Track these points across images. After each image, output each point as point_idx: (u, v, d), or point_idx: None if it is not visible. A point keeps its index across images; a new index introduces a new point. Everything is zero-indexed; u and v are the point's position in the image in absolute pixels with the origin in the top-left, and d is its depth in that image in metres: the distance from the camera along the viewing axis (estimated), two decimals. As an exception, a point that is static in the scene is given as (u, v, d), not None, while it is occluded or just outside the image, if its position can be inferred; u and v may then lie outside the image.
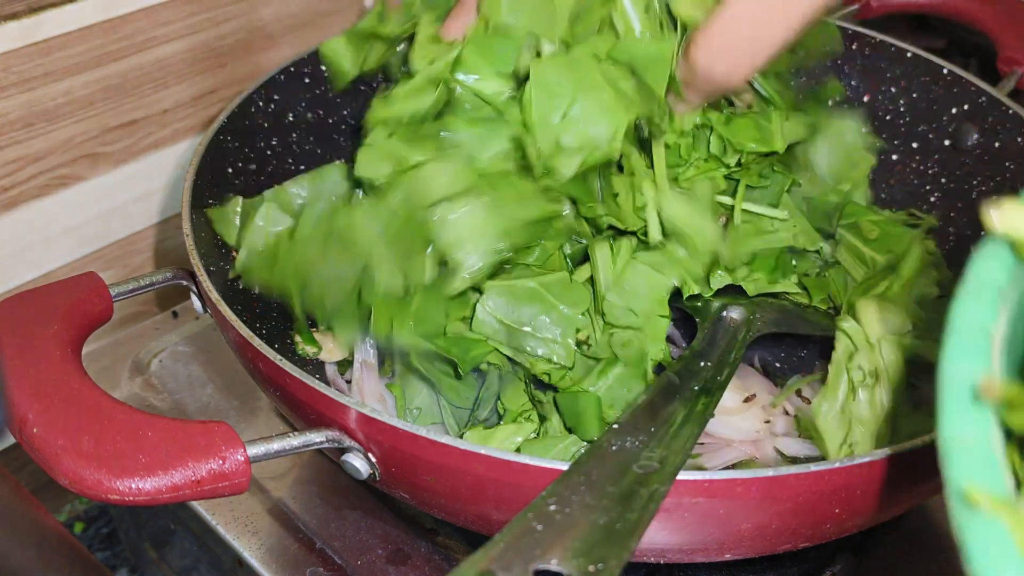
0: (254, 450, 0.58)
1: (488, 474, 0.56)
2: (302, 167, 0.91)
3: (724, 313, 0.74)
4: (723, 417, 0.74)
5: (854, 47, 0.99)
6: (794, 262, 0.78)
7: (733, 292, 0.74)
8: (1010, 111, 0.87)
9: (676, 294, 0.73)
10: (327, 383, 0.61)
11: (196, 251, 0.71)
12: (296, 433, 0.60)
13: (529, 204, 0.69)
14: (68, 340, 0.63)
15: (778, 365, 0.79)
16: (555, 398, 0.71)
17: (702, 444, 0.75)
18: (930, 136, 0.94)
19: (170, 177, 1.04)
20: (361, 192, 0.81)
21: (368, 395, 0.77)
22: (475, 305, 0.69)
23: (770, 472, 0.55)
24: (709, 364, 0.69)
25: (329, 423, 0.61)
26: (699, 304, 0.75)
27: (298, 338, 0.80)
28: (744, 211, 0.76)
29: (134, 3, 0.92)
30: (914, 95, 0.95)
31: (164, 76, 0.98)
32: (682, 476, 0.54)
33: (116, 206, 1.00)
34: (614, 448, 0.56)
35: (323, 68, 0.93)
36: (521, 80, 0.69)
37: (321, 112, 0.93)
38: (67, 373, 0.60)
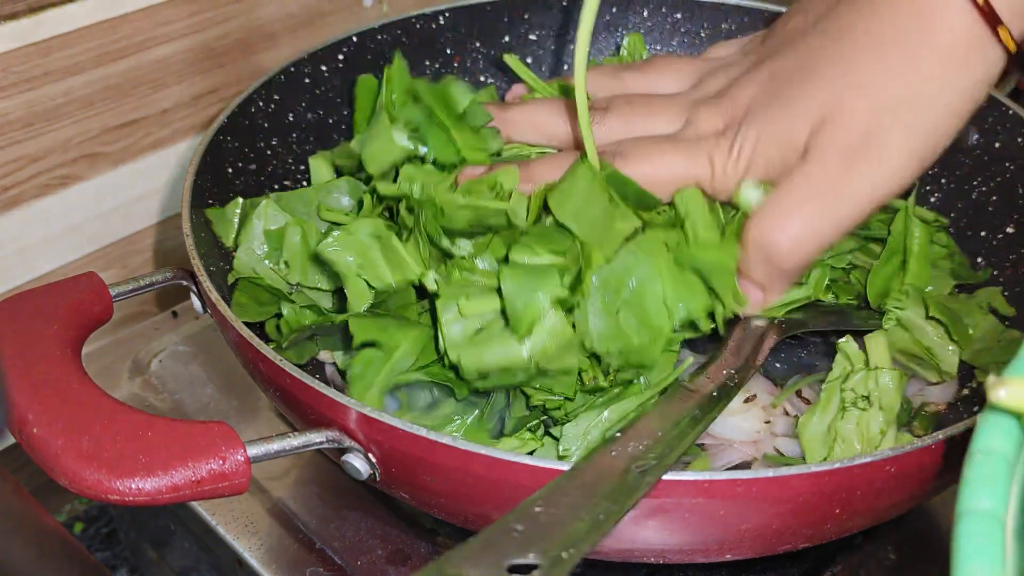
0: (254, 450, 0.58)
1: (488, 474, 0.56)
2: (302, 167, 0.91)
3: (751, 320, 0.74)
4: (723, 417, 0.74)
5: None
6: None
7: None
8: (1010, 111, 0.87)
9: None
10: (327, 383, 0.61)
11: (196, 251, 0.71)
12: (296, 433, 0.60)
13: None
14: (68, 340, 0.63)
15: (778, 365, 0.79)
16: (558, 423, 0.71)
17: (702, 445, 0.75)
18: (930, 136, 0.94)
19: (170, 177, 1.04)
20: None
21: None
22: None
23: (770, 472, 0.55)
24: (733, 371, 0.69)
25: (329, 423, 0.61)
26: None
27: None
28: None
29: (134, 3, 0.92)
30: (914, 95, 0.95)
31: (164, 76, 0.98)
32: (682, 476, 0.54)
33: (116, 206, 1.00)
34: (614, 454, 0.56)
35: (323, 68, 0.93)
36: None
37: (321, 112, 0.93)
38: (67, 373, 0.60)
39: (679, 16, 1.06)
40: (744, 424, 0.74)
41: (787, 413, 0.76)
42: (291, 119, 0.91)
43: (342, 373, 0.81)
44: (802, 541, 0.63)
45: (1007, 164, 0.87)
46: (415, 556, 0.74)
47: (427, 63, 1.00)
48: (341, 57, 0.94)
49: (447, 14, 1.00)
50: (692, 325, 0.69)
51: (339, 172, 0.87)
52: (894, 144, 0.64)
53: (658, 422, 0.61)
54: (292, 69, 0.91)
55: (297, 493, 0.79)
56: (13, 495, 0.68)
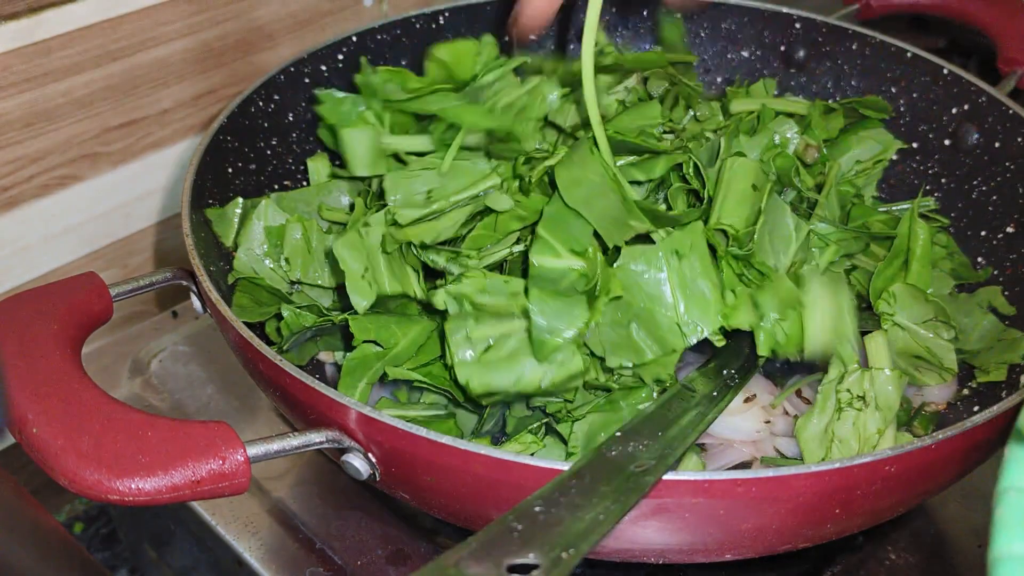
0: (254, 450, 0.58)
1: (488, 474, 0.56)
2: (302, 167, 0.91)
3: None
4: (723, 417, 0.74)
5: (854, 47, 0.99)
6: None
7: None
8: (1010, 111, 0.87)
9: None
10: (327, 383, 0.61)
11: (196, 251, 0.71)
12: (296, 433, 0.60)
13: None
14: (68, 340, 0.63)
15: (778, 365, 0.79)
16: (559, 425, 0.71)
17: (702, 445, 0.75)
18: (930, 136, 0.94)
19: (170, 177, 1.04)
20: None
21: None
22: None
23: (770, 472, 0.55)
24: (733, 371, 0.69)
25: (329, 423, 0.61)
26: None
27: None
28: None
29: (134, 3, 0.92)
30: (914, 95, 0.95)
31: (164, 76, 0.98)
32: (682, 476, 0.54)
33: (116, 206, 1.00)
34: (613, 454, 0.56)
35: (323, 68, 0.93)
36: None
37: (321, 112, 0.93)
38: (67, 373, 0.60)
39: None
40: (744, 424, 0.74)
41: (787, 413, 0.76)
42: (291, 119, 0.91)
43: (342, 373, 0.81)
44: (802, 541, 0.63)
45: (1007, 164, 0.87)
46: (415, 556, 0.74)
47: (427, 63, 1.00)
48: (341, 57, 0.94)
49: (447, 14, 1.00)
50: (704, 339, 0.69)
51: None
52: None
53: (658, 422, 0.61)
54: (292, 69, 0.91)
55: (297, 493, 0.79)
56: (13, 495, 0.68)
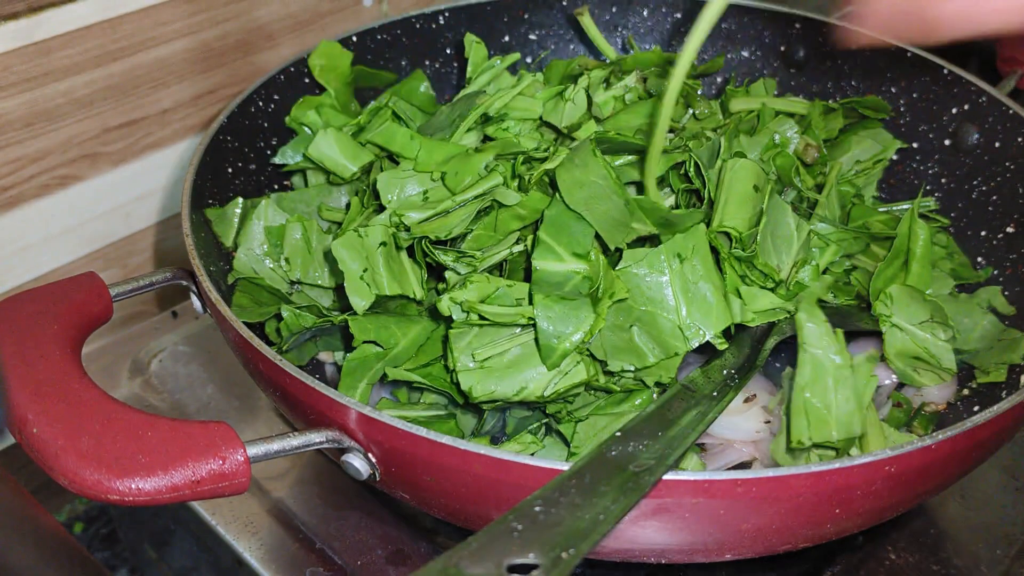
0: (254, 450, 0.58)
1: (488, 474, 0.56)
2: (302, 167, 0.91)
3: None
4: (723, 417, 0.74)
5: (854, 47, 0.99)
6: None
7: None
8: (1010, 111, 0.87)
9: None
10: (327, 383, 0.61)
11: (196, 251, 0.71)
12: (296, 433, 0.60)
13: None
14: (68, 340, 0.63)
15: (778, 365, 0.79)
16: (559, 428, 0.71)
17: (702, 445, 0.75)
18: (930, 136, 0.94)
19: (170, 177, 1.04)
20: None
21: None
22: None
23: (770, 472, 0.55)
24: (733, 371, 0.69)
25: (329, 423, 0.61)
26: None
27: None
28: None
29: (134, 3, 0.92)
30: (914, 95, 0.95)
31: (164, 76, 0.98)
32: (682, 476, 0.54)
33: (116, 206, 1.00)
34: (614, 453, 0.56)
35: (323, 68, 0.93)
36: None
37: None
38: (67, 373, 0.60)
39: (679, 16, 1.06)
40: (744, 424, 0.74)
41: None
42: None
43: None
44: (802, 541, 0.63)
45: (1007, 164, 0.87)
46: (415, 556, 0.74)
47: (427, 63, 1.00)
48: (341, 57, 0.94)
49: (447, 14, 1.00)
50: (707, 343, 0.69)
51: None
52: None
53: (658, 422, 0.61)
54: (292, 69, 0.91)
55: (297, 493, 0.79)
56: (13, 495, 0.68)
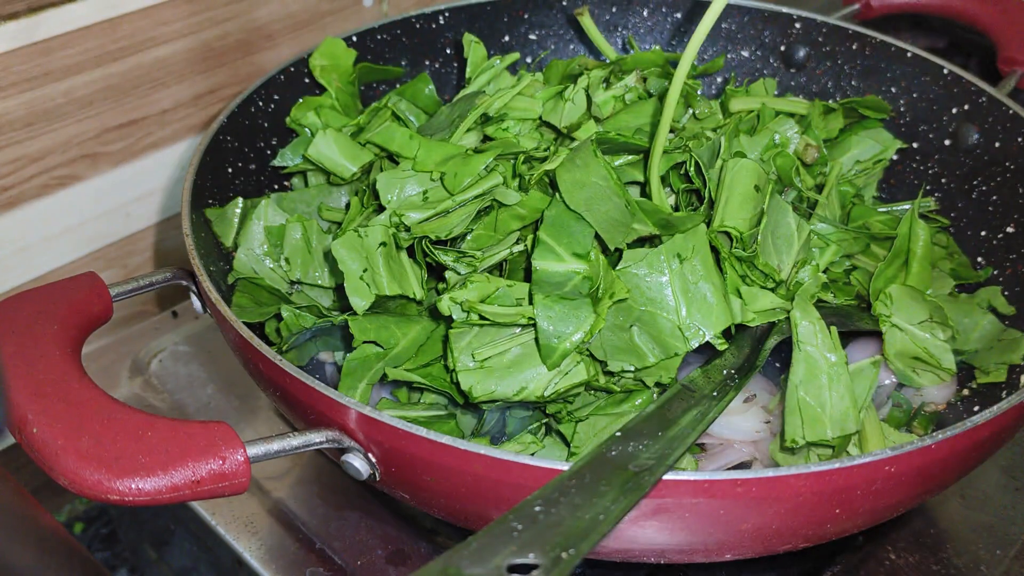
0: (254, 450, 0.58)
1: (488, 474, 0.56)
2: (302, 167, 0.91)
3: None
4: (723, 417, 0.74)
5: (854, 47, 0.99)
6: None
7: None
8: (1010, 111, 0.87)
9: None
10: (327, 383, 0.61)
11: (196, 251, 0.71)
12: (296, 433, 0.60)
13: None
14: (68, 340, 0.63)
15: (778, 365, 0.79)
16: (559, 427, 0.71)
17: (702, 445, 0.75)
18: (930, 136, 0.94)
19: (170, 177, 1.04)
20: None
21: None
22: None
23: (770, 472, 0.55)
24: (733, 372, 0.69)
25: (329, 423, 0.61)
26: None
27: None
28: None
29: (134, 3, 0.92)
30: (914, 95, 0.95)
31: (164, 76, 0.98)
32: (682, 476, 0.54)
33: (116, 206, 1.00)
34: (614, 453, 0.56)
35: (323, 68, 0.93)
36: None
37: (321, 112, 0.93)
38: (67, 373, 0.60)
39: (679, 16, 1.06)
40: (744, 424, 0.74)
41: (787, 413, 0.76)
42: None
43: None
44: (802, 541, 0.63)
45: (1007, 164, 0.87)
46: (415, 556, 0.74)
47: (427, 63, 1.00)
48: (341, 57, 0.94)
49: (447, 14, 1.00)
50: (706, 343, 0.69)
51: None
52: None
53: (658, 422, 0.61)
54: (292, 69, 0.91)
55: (297, 493, 0.79)
56: (13, 495, 0.68)
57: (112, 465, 0.55)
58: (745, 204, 0.71)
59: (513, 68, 0.94)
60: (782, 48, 1.03)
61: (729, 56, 1.05)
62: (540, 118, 0.84)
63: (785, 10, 1.02)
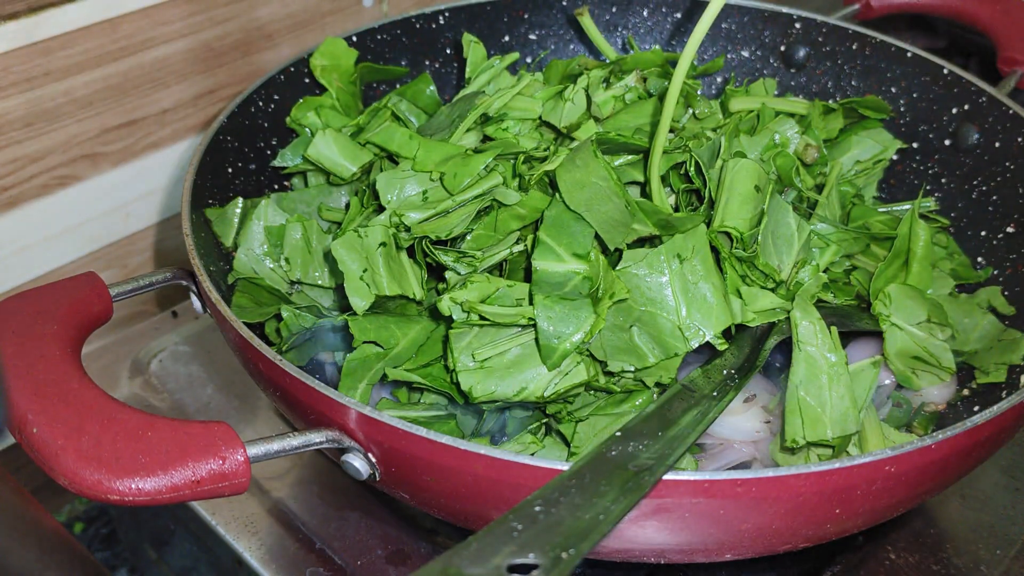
0: (254, 450, 0.58)
1: (488, 474, 0.56)
2: (302, 167, 0.91)
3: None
4: (723, 417, 0.74)
5: (854, 47, 0.99)
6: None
7: None
8: (1010, 111, 0.87)
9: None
10: (327, 383, 0.61)
11: (196, 251, 0.71)
12: (296, 433, 0.60)
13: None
14: (68, 340, 0.63)
15: (778, 365, 0.79)
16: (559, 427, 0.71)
17: (702, 445, 0.75)
18: (930, 136, 0.94)
19: (170, 177, 1.04)
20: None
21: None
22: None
23: (770, 472, 0.55)
24: (733, 372, 0.69)
25: (329, 423, 0.61)
26: None
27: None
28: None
29: (134, 3, 0.92)
30: (914, 95, 0.95)
31: (164, 76, 0.98)
32: (682, 476, 0.54)
33: (116, 206, 1.00)
34: (614, 453, 0.56)
35: (323, 68, 0.93)
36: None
37: (321, 112, 0.93)
38: (67, 373, 0.60)
39: (679, 16, 1.06)
40: (744, 424, 0.74)
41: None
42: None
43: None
44: (802, 541, 0.63)
45: (1007, 164, 0.87)
46: (415, 556, 0.74)
47: (427, 63, 1.00)
48: (341, 57, 0.94)
49: (447, 14, 1.00)
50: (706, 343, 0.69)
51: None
52: None
53: (658, 422, 0.61)
54: (292, 69, 0.91)
55: (297, 493, 0.79)
56: (13, 495, 0.68)
57: (112, 465, 0.55)
58: (745, 204, 0.71)
59: (513, 68, 0.94)
60: (782, 48, 1.03)
61: (729, 56, 1.05)
62: (540, 118, 0.84)
63: (785, 10, 1.02)
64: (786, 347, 0.74)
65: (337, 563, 0.74)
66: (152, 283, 0.73)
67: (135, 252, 1.05)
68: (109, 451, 0.55)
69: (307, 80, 0.92)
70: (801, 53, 1.02)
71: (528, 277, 0.70)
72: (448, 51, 1.01)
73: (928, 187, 0.93)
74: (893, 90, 0.97)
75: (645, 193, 0.77)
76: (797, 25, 1.01)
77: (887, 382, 0.78)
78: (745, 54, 1.04)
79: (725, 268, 0.70)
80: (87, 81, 0.92)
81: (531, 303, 0.67)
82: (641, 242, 0.71)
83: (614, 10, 1.05)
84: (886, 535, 0.76)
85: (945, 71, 0.93)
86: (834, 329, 0.69)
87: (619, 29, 1.06)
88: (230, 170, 0.84)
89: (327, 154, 0.82)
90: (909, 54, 0.95)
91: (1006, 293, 0.81)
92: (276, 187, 0.89)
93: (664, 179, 0.77)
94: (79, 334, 0.65)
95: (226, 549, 0.76)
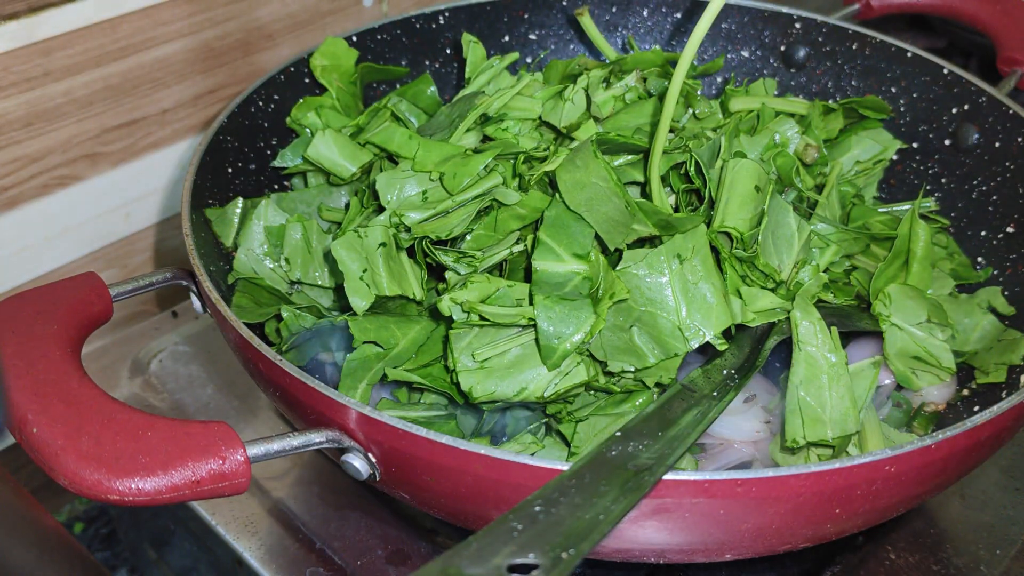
0: (254, 450, 0.58)
1: (488, 474, 0.56)
2: (302, 167, 0.91)
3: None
4: (723, 417, 0.74)
5: (854, 47, 0.99)
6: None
7: None
8: (1010, 111, 0.87)
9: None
10: (327, 383, 0.61)
11: (196, 251, 0.71)
12: (296, 433, 0.60)
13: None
14: (68, 340, 0.63)
15: (778, 365, 0.79)
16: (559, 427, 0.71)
17: (702, 445, 0.75)
18: (930, 136, 0.94)
19: (170, 177, 1.04)
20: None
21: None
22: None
23: (770, 472, 0.55)
24: (732, 372, 0.69)
25: (329, 423, 0.61)
26: None
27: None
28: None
29: (134, 3, 0.92)
30: (914, 95, 0.95)
31: (164, 76, 0.98)
32: (682, 476, 0.54)
33: (116, 206, 1.00)
34: (614, 453, 0.56)
35: (323, 68, 0.93)
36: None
37: (321, 112, 0.93)
38: (67, 373, 0.60)
39: (679, 16, 1.06)
40: (744, 424, 0.74)
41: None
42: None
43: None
44: (802, 541, 0.63)
45: (1007, 164, 0.87)
46: (415, 556, 0.74)
47: (427, 63, 1.00)
48: (341, 57, 0.94)
49: (447, 14, 1.00)
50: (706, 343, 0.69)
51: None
52: None
53: (658, 422, 0.61)
54: (292, 69, 0.91)
55: (297, 493, 0.79)
56: (13, 495, 0.68)
57: (112, 465, 0.55)
58: (745, 204, 0.71)
59: (513, 68, 0.94)
60: (782, 48, 1.03)
61: (729, 56, 1.05)
62: (540, 118, 0.84)
63: (785, 10, 1.02)
64: (786, 347, 0.74)
65: (337, 563, 0.74)
66: (152, 283, 0.73)
67: (135, 252, 1.05)
68: (109, 451, 0.55)
69: (307, 80, 0.92)
70: (801, 53, 1.02)
71: (528, 277, 0.70)
72: (448, 51, 1.01)
73: (928, 187, 0.93)
74: (893, 90, 0.97)
75: (645, 193, 0.77)
76: (797, 25, 1.01)
77: (887, 382, 0.78)
78: (745, 54, 1.04)
79: (725, 268, 0.70)
80: (87, 81, 0.92)
81: (531, 303, 0.67)
82: (641, 242, 0.71)
83: (614, 10, 1.05)
84: (886, 535, 0.76)
85: (945, 71, 0.93)
86: (834, 329, 0.69)
87: (619, 29, 1.06)
88: (230, 170, 0.84)
89: (327, 154, 0.82)
90: (909, 54, 0.95)
91: (1006, 293, 0.81)
92: (276, 187, 0.89)
93: (664, 179, 0.77)
94: (79, 334, 0.65)
95: (226, 549, 0.76)
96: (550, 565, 0.46)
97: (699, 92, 0.91)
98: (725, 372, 0.69)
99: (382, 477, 0.62)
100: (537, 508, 0.50)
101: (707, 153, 0.77)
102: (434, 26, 1.00)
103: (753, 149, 0.83)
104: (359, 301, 0.68)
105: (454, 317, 0.66)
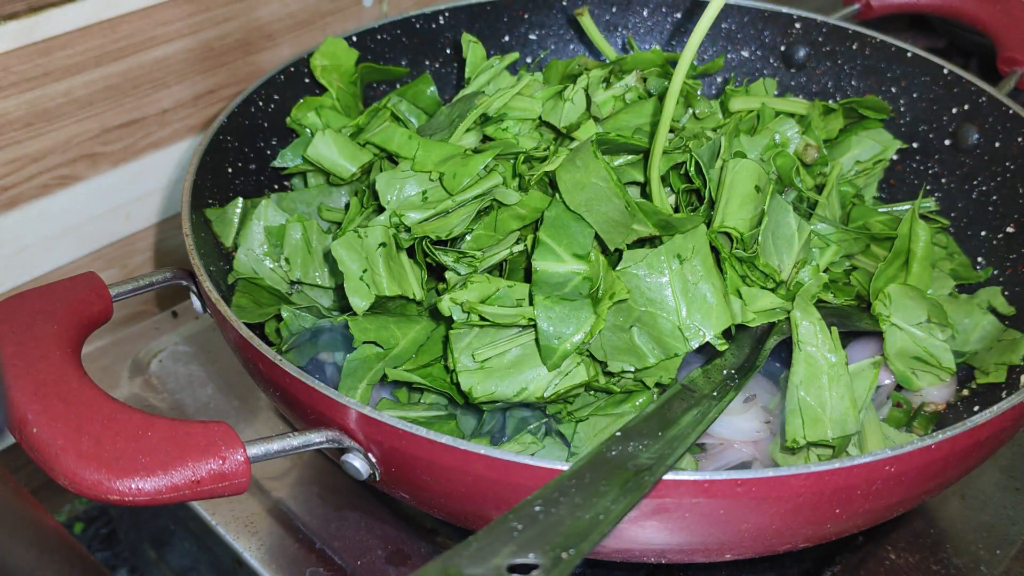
0: (254, 450, 0.58)
1: (488, 474, 0.56)
2: (302, 167, 0.91)
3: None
4: (723, 417, 0.74)
5: (854, 47, 0.99)
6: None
7: None
8: (1010, 111, 0.87)
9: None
10: (327, 383, 0.61)
11: (196, 251, 0.71)
12: (296, 433, 0.60)
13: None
14: (68, 340, 0.63)
15: (778, 365, 0.79)
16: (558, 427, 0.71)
17: (702, 445, 0.75)
18: (930, 136, 0.94)
19: (170, 177, 1.04)
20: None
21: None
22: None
23: (770, 472, 0.55)
24: (732, 372, 0.69)
25: (329, 423, 0.61)
26: None
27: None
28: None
29: (134, 3, 0.92)
30: (914, 95, 0.95)
31: (164, 76, 0.98)
32: (682, 476, 0.54)
33: (116, 206, 1.00)
34: (614, 453, 0.56)
35: (323, 68, 0.93)
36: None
37: (321, 112, 0.93)
38: (67, 373, 0.60)
39: (679, 16, 1.06)
40: (744, 424, 0.74)
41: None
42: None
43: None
44: (802, 541, 0.63)
45: (1007, 164, 0.87)
46: (415, 556, 0.74)
47: (427, 63, 1.00)
48: (341, 57, 0.94)
49: (447, 14, 1.00)
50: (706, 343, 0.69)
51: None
52: None
53: (658, 422, 0.61)
54: (292, 69, 0.91)
55: (297, 493, 0.79)
56: (13, 495, 0.68)
57: (112, 465, 0.55)
58: (745, 204, 0.71)
59: (513, 68, 0.94)
60: (782, 48, 1.03)
61: (729, 56, 1.05)
62: (540, 118, 0.84)
63: (785, 10, 1.02)
64: (786, 347, 0.75)
65: (337, 563, 0.74)
66: (152, 283, 0.73)
67: (135, 252, 1.05)
68: (109, 451, 0.55)
69: (307, 80, 0.92)
70: (801, 53, 1.02)
71: (528, 277, 0.70)
72: (448, 51, 1.01)
73: (928, 187, 0.93)
74: (893, 90, 0.97)
75: (645, 193, 0.77)
76: (797, 25, 1.01)
77: (887, 382, 0.78)
78: (745, 54, 1.04)
79: (725, 268, 0.70)
80: (87, 81, 0.92)
81: (531, 303, 0.67)
82: (641, 242, 0.71)
83: (614, 10, 1.05)
84: (886, 535, 0.76)
85: (945, 71, 0.93)
86: (834, 329, 0.69)
87: (619, 29, 1.06)
88: (230, 170, 0.84)
89: (327, 154, 0.82)
90: (909, 54, 0.95)
91: (1006, 293, 0.81)
92: (276, 187, 0.89)
93: (664, 179, 0.77)
94: (79, 334, 0.65)
95: (226, 549, 0.76)
96: (550, 565, 0.46)
97: (699, 92, 0.91)
98: (725, 372, 0.69)
99: (382, 477, 0.62)
100: (537, 508, 0.50)
101: (707, 153, 0.77)
102: (434, 26, 1.00)
103: (753, 149, 0.83)
104: (359, 301, 0.68)
105: (454, 317, 0.66)
